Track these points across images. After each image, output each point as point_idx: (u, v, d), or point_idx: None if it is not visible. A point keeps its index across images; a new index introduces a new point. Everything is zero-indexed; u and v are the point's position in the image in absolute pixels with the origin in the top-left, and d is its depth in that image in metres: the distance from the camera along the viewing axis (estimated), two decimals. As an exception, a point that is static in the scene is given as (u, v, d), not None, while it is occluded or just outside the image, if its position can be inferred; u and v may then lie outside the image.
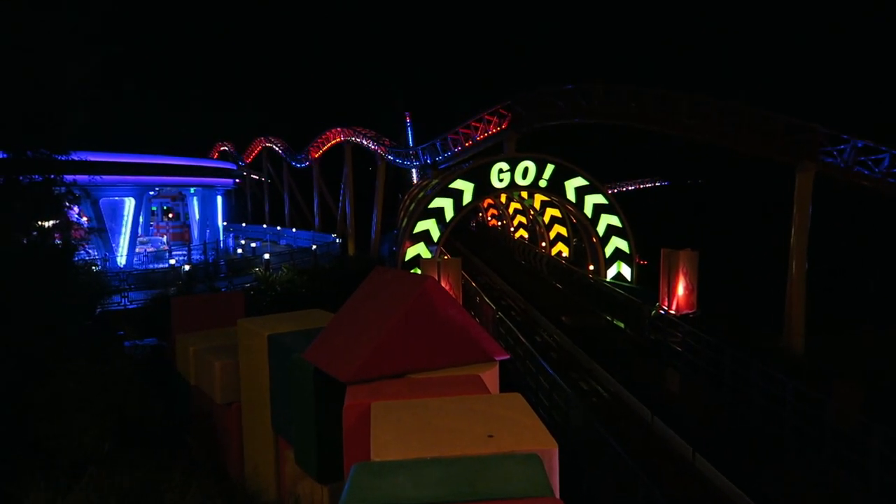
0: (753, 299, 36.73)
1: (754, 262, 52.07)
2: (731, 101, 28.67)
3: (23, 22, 12.23)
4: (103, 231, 36.79)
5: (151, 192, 46.44)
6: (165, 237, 49.71)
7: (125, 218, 39.00)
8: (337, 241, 52.05)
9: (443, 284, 20.23)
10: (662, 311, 21.62)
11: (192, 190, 47.88)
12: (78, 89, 13.16)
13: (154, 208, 53.34)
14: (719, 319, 22.52)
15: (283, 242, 57.91)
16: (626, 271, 31.25)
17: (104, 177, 34.19)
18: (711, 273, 28.21)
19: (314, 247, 44.40)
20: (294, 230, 61.28)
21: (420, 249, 28.26)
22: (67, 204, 14.44)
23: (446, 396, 5.66)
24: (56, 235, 14.34)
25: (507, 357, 7.08)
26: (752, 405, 14.03)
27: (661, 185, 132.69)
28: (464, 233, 59.32)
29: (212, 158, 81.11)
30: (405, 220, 31.75)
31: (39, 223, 13.95)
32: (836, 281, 42.92)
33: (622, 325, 22.41)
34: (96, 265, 31.54)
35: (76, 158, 14.29)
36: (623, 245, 31.17)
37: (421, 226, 28.37)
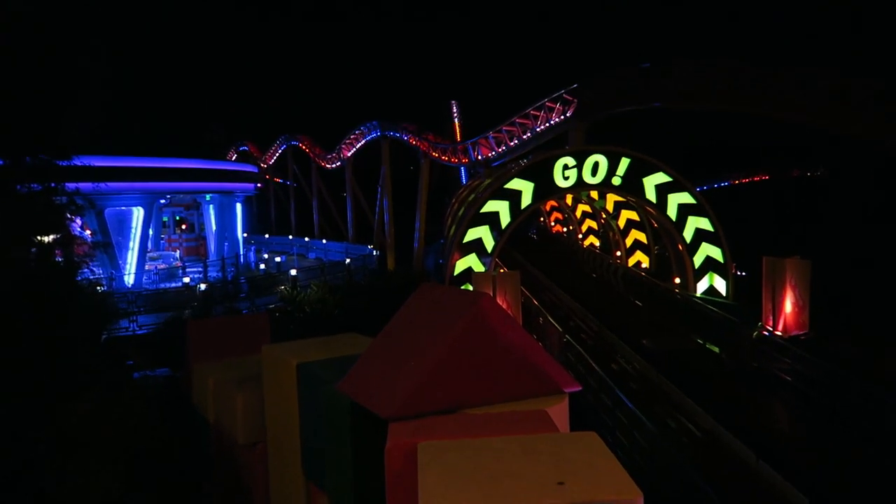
0: (880, 316, 35.46)
1: (880, 272, 50.29)
2: (854, 77, 27.60)
3: (25, 17, 12.76)
4: (109, 246, 37.94)
5: (162, 201, 47.81)
6: (178, 252, 51.05)
7: (133, 230, 40.22)
8: (374, 253, 52.49)
9: (499, 302, 20.19)
10: (766, 333, 21.11)
11: (207, 197, 49.10)
12: (83, 88, 13.63)
13: (165, 219, 54.82)
14: (838, 342, 21.81)
15: (311, 256, 58.70)
16: (721, 284, 30.63)
17: (110, 184, 35.27)
18: (826, 285, 27.36)
19: (348, 261, 44.92)
20: (324, 241, 62.18)
21: (471, 262, 28.27)
22: (69, 215, 14.91)
23: (506, 435, 5.63)
24: (57, 252, 14.84)
25: (579, 388, 7.02)
26: (884, 447, 13.52)
27: (761, 179, 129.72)
28: (522, 241, 59.11)
29: (230, 161, 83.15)
30: (453, 228, 31.80)
31: (39, 238, 14.46)
32: None
33: (717, 349, 21.97)
34: (101, 285, 32.53)
35: (79, 164, 14.76)
36: (716, 253, 30.59)
37: (472, 234, 28.40)
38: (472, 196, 38.24)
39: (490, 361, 6.61)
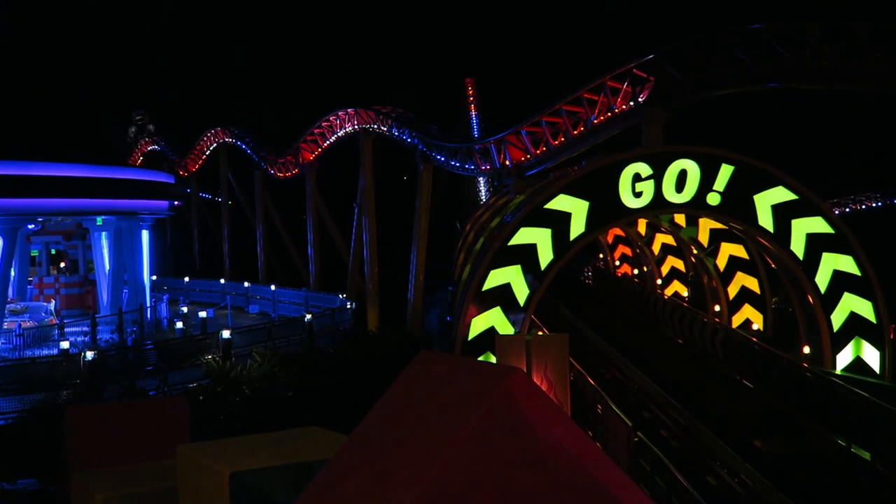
0: None
1: None
2: None
3: None
4: (-50, 293, 38.09)
5: (31, 226, 47.96)
6: (54, 302, 51.11)
7: (-13, 270, 40.33)
8: (348, 305, 52.44)
9: (536, 381, 20.10)
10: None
11: (98, 221, 49.20)
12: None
13: (35, 252, 54.98)
14: None
15: (253, 309, 58.68)
16: (873, 357, 30.40)
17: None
18: None
19: (308, 316, 44.84)
20: (273, 287, 62.14)
21: (495, 319, 28.20)
22: None
23: (548, 587, 5.60)
24: None
25: (658, 515, 7.01)
26: None
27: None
28: (572, 288, 59.10)
29: (132, 167, 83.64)
30: (468, 268, 31.81)
31: None
32: None
33: (867, 455, 21.83)
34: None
35: None
36: (865, 309, 30.42)
37: (496, 277, 28.37)
38: (497, 220, 38.26)
39: (522, 472, 6.58)
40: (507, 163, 48.84)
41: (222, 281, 68.59)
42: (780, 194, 30.15)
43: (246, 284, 63.84)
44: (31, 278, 53.13)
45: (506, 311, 28.24)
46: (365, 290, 65.70)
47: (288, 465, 8.44)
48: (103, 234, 49.59)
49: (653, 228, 50.03)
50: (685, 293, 49.32)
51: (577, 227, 28.88)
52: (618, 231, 57.75)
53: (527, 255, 28.50)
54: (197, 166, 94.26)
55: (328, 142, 71.07)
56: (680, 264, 50.29)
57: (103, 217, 48.62)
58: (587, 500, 6.76)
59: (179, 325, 45.28)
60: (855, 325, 30.50)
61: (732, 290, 40.59)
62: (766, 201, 30.12)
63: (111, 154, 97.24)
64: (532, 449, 6.69)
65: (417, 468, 6.60)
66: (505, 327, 27.92)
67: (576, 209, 28.83)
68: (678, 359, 35.85)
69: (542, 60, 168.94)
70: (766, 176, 30.16)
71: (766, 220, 30.18)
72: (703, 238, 40.84)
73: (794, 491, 19.27)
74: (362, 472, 7.02)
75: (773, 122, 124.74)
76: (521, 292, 28.41)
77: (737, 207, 30.13)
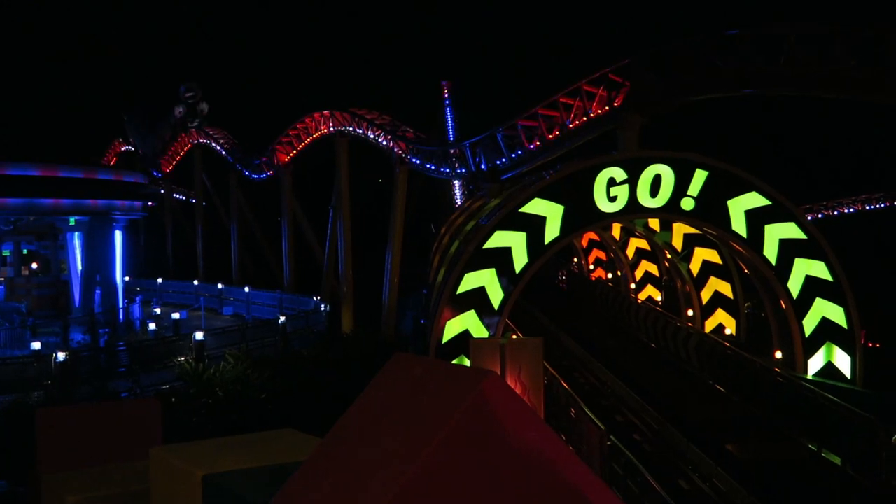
0: None
1: None
2: None
3: None
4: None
5: (2, 227, 47.64)
6: (25, 303, 50.76)
7: (-44, 270, 40.04)
8: (322, 307, 52.38)
9: (510, 385, 20.13)
10: (913, 435, 21.10)
11: (71, 221, 48.95)
12: None
13: (6, 253, 54.63)
14: None
15: (227, 311, 58.58)
16: (844, 361, 30.58)
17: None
18: None
19: (282, 319, 44.77)
20: (247, 289, 62.00)
21: (469, 322, 28.20)
22: None
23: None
24: None
25: (630, 519, 7.04)
26: None
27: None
28: (546, 292, 59.18)
29: (105, 167, 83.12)
30: (442, 271, 31.83)
31: None
32: None
33: (838, 459, 21.94)
34: None
35: None
36: (836, 314, 30.60)
37: (470, 280, 28.38)
38: (472, 223, 38.31)
39: (496, 475, 6.59)
40: (483, 166, 48.86)
41: (196, 282, 68.26)
42: (754, 200, 30.29)
43: (220, 286, 63.61)
44: (1, 279, 52.79)
45: (480, 315, 28.26)
46: (339, 293, 65.55)
47: (261, 467, 8.41)
48: (76, 234, 49.36)
49: (627, 233, 50.14)
50: (659, 297, 49.46)
51: (551, 231, 28.93)
52: (592, 235, 57.88)
53: (502, 259, 28.52)
54: (172, 167, 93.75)
55: (303, 143, 70.77)
56: (654, 269, 50.44)
57: (75, 217, 48.38)
58: (560, 501, 6.78)
59: (152, 326, 45.13)
60: (827, 331, 30.65)
61: (706, 295, 40.71)
62: (740, 206, 30.26)
63: (87, 151, 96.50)
64: (506, 452, 6.69)
65: (391, 471, 6.59)
66: (479, 331, 27.93)
67: (551, 213, 28.89)
68: (651, 363, 35.99)
69: (519, 64, 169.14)
70: (739, 181, 30.30)
71: (739, 226, 30.32)
72: (677, 243, 40.98)
73: (765, 495, 19.37)
74: (336, 474, 7.01)
75: (748, 127, 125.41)
76: (496, 296, 28.44)
77: (710, 212, 30.26)
